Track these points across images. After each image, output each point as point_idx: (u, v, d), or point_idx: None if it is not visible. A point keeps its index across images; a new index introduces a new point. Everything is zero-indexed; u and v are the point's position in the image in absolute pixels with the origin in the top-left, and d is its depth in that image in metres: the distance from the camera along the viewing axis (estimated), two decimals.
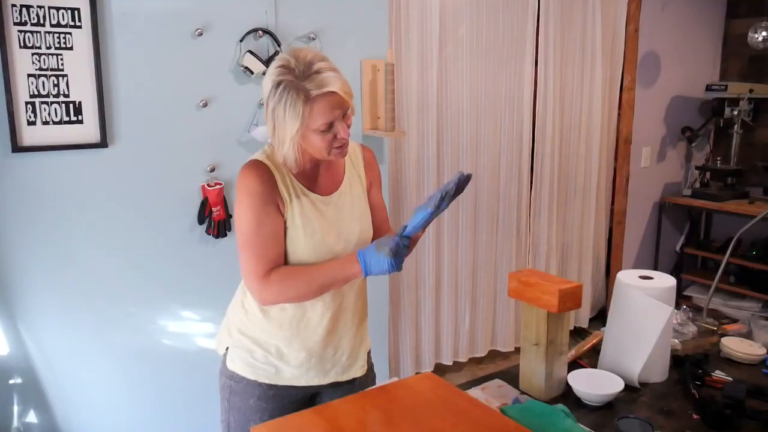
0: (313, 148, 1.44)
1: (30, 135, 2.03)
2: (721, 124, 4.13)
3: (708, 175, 4.17)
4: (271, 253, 1.45)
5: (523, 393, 1.59)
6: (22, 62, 1.99)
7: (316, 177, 1.54)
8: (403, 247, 1.39)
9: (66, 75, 2.07)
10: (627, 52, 3.88)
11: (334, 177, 1.57)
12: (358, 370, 1.65)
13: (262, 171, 1.45)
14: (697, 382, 1.60)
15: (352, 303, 1.60)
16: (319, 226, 1.49)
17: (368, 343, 1.70)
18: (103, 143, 2.15)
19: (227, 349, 1.60)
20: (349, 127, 1.44)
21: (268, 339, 1.54)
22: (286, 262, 1.49)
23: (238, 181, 1.46)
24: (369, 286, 1.68)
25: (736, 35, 4.26)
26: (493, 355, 3.71)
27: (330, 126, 1.40)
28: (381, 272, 1.40)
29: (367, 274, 1.42)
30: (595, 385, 1.53)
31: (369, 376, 1.70)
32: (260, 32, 2.39)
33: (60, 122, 2.08)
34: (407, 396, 1.42)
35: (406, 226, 1.40)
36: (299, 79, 1.36)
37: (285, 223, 1.47)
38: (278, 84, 1.38)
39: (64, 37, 2.05)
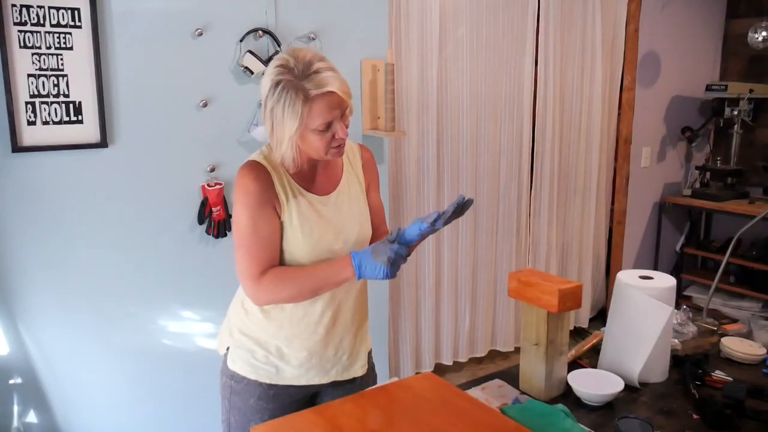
0: (310, 148, 1.44)
1: (30, 135, 2.03)
2: (721, 124, 4.13)
3: (708, 175, 4.17)
4: (266, 255, 1.45)
5: (523, 393, 1.59)
6: (22, 62, 1.99)
7: (313, 177, 1.54)
8: (400, 257, 1.37)
9: (66, 75, 2.07)
10: (627, 52, 3.88)
11: (331, 177, 1.57)
12: (358, 370, 1.65)
13: (258, 172, 1.45)
14: (697, 382, 1.60)
15: (353, 303, 1.60)
16: (317, 226, 1.49)
17: (369, 343, 1.70)
18: (103, 143, 2.15)
19: (228, 349, 1.60)
20: (347, 126, 1.44)
21: (269, 339, 1.54)
22: (284, 262, 1.49)
23: (236, 181, 1.46)
24: (369, 286, 1.67)
25: (736, 35, 4.26)
26: (493, 355, 3.71)
27: (328, 126, 1.41)
28: (374, 278, 1.39)
29: (360, 278, 1.41)
30: (595, 385, 1.53)
31: (370, 376, 1.70)
32: (260, 32, 2.39)
33: (60, 122, 2.08)
34: (407, 396, 1.42)
35: (403, 233, 1.39)
36: (298, 79, 1.36)
37: (282, 223, 1.47)
38: (277, 84, 1.37)
39: (64, 37, 2.05)
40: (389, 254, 1.36)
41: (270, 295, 1.46)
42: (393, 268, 1.37)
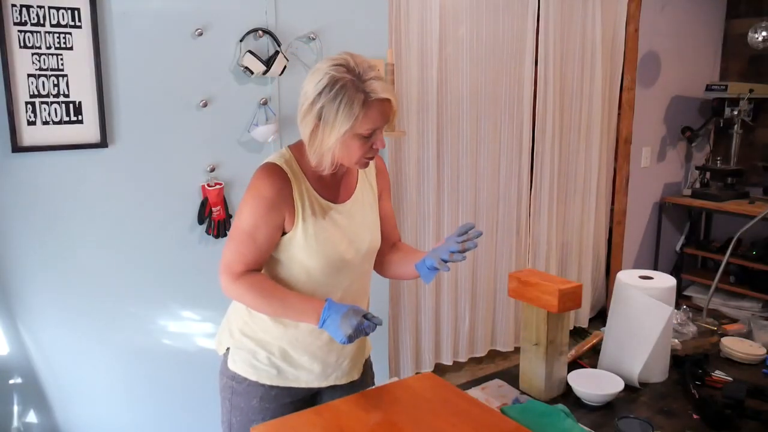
0: (346, 154, 1.42)
1: (30, 135, 2.03)
2: (721, 124, 4.13)
3: (708, 175, 4.17)
4: (253, 258, 1.45)
5: (523, 393, 1.59)
6: (22, 62, 1.99)
7: (332, 185, 1.53)
8: (363, 333, 1.39)
9: (66, 75, 2.07)
10: (627, 52, 3.88)
11: (347, 185, 1.56)
12: (355, 374, 1.65)
13: (278, 177, 1.44)
14: (697, 382, 1.60)
15: None
16: (332, 235, 1.49)
17: (370, 347, 1.71)
18: (103, 143, 2.15)
19: (228, 349, 1.59)
20: None
21: (272, 341, 1.54)
22: (296, 269, 1.49)
23: (253, 179, 1.45)
24: (370, 287, 1.67)
25: (736, 35, 4.26)
26: (493, 355, 3.71)
27: (372, 133, 1.40)
28: (331, 334, 1.41)
29: (321, 328, 1.42)
30: (595, 385, 1.53)
31: (369, 374, 1.71)
32: (260, 32, 2.39)
33: (60, 122, 2.08)
34: (407, 396, 1.42)
35: (378, 323, 1.41)
36: (360, 80, 1.36)
37: (293, 231, 1.46)
38: (335, 81, 1.36)
39: (64, 37, 2.05)
40: (355, 328, 1.36)
41: (238, 297, 1.48)
42: (349, 340, 1.38)
